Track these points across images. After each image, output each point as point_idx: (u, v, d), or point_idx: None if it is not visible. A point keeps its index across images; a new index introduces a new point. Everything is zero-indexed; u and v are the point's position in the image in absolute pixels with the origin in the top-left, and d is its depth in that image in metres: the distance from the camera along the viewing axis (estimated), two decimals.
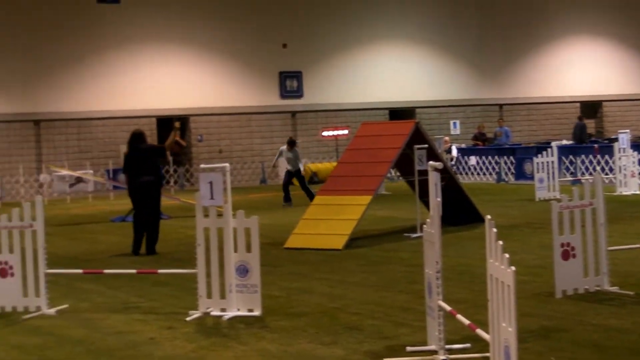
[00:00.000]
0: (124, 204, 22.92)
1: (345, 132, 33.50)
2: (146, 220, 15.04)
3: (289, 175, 24.31)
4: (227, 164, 9.97)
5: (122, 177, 18.88)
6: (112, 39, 34.55)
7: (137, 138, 15.32)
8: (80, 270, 11.74)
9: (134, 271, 11.53)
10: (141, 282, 11.87)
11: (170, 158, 32.78)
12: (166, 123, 35.92)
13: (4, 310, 10.15)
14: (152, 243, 15.09)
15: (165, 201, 23.22)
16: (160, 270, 11.21)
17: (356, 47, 38.87)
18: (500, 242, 5.83)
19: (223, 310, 9.65)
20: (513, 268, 5.49)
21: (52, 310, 10.06)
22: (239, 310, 9.63)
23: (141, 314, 9.89)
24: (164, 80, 35.30)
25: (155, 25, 35.26)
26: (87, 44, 34.11)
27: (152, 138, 35.26)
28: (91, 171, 29.91)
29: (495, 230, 5.96)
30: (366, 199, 15.43)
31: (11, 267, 10.14)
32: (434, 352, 7.59)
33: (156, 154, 15.64)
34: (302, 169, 24.48)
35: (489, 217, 6.13)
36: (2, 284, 10.14)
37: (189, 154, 36.06)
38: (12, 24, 32.94)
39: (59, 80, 33.72)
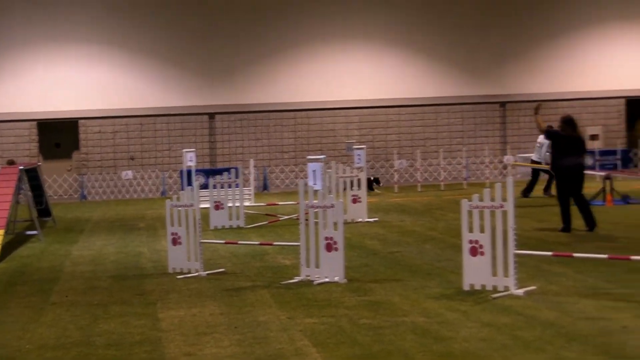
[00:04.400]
0: (589, 186, 22.43)
1: None
2: (575, 200, 15.99)
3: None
4: None
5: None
6: (583, 19, 34.00)
7: (569, 123, 16.14)
8: (549, 253, 11.58)
9: (605, 256, 11.10)
10: (611, 268, 11.42)
11: None
12: (637, 104, 34.61)
13: (473, 288, 10.31)
14: (587, 220, 15.89)
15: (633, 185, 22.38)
16: (633, 257, 10.68)
17: None
18: None
19: None
20: None
21: (520, 291, 10.01)
22: None
23: (612, 301, 9.49)
24: (636, 60, 34.02)
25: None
26: (552, 25, 33.90)
27: (619, 119, 34.21)
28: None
29: None
30: None
31: (481, 246, 10.27)
32: None
33: (584, 143, 16.35)
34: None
35: None
36: (472, 263, 10.31)
37: None
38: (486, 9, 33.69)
39: (526, 62, 34.04)
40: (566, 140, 15.95)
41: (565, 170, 15.89)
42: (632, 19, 34.09)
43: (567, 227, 15.85)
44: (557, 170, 16.05)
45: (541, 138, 23.52)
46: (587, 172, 16.86)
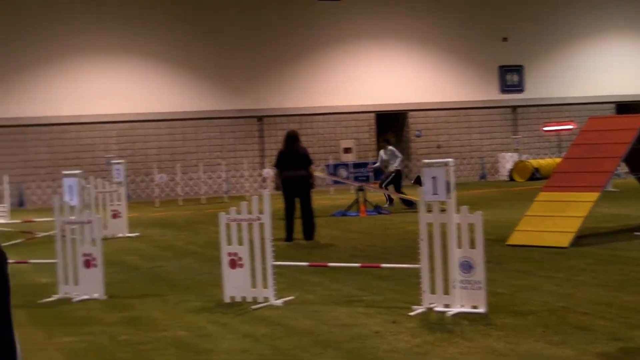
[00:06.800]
0: (344, 198, 23.30)
1: (571, 127, 32.50)
2: (303, 210, 16.77)
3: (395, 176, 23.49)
4: (451, 159, 9.87)
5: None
6: (331, 36, 35.19)
7: (290, 137, 16.96)
8: (305, 263, 11.97)
9: (357, 265, 11.62)
10: (364, 276, 11.96)
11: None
12: (385, 118, 36.24)
13: (234, 300, 10.49)
14: (309, 231, 16.74)
15: (383, 196, 23.44)
16: (383, 265, 11.25)
17: (581, 39, 37.70)
18: None
19: (447, 306, 9.55)
20: None
21: (279, 302, 10.29)
22: (462, 306, 9.50)
23: (365, 307, 9.95)
24: (382, 76, 35.60)
25: (373, 22, 35.58)
26: (306, 42, 34.92)
27: (370, 133, 35.70)
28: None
29: None
30: (593, 195, 14.88)
31: (240, 259, 10.47)
32: None
33: (307, 156, 17.01)
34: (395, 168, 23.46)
35: None
36: (232, 275, 10.49)
37: (408, 149, 36.14)
38: (237, 26, 34.16)
39: (280, 77, 34.72)
40: (289, 154, 16.71)
41: (290, 183, 16.63)
42: (379, 39, 35.66)
43: (289, 237, 16.64)
44: (283, 184, 16.79)
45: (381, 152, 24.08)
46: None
